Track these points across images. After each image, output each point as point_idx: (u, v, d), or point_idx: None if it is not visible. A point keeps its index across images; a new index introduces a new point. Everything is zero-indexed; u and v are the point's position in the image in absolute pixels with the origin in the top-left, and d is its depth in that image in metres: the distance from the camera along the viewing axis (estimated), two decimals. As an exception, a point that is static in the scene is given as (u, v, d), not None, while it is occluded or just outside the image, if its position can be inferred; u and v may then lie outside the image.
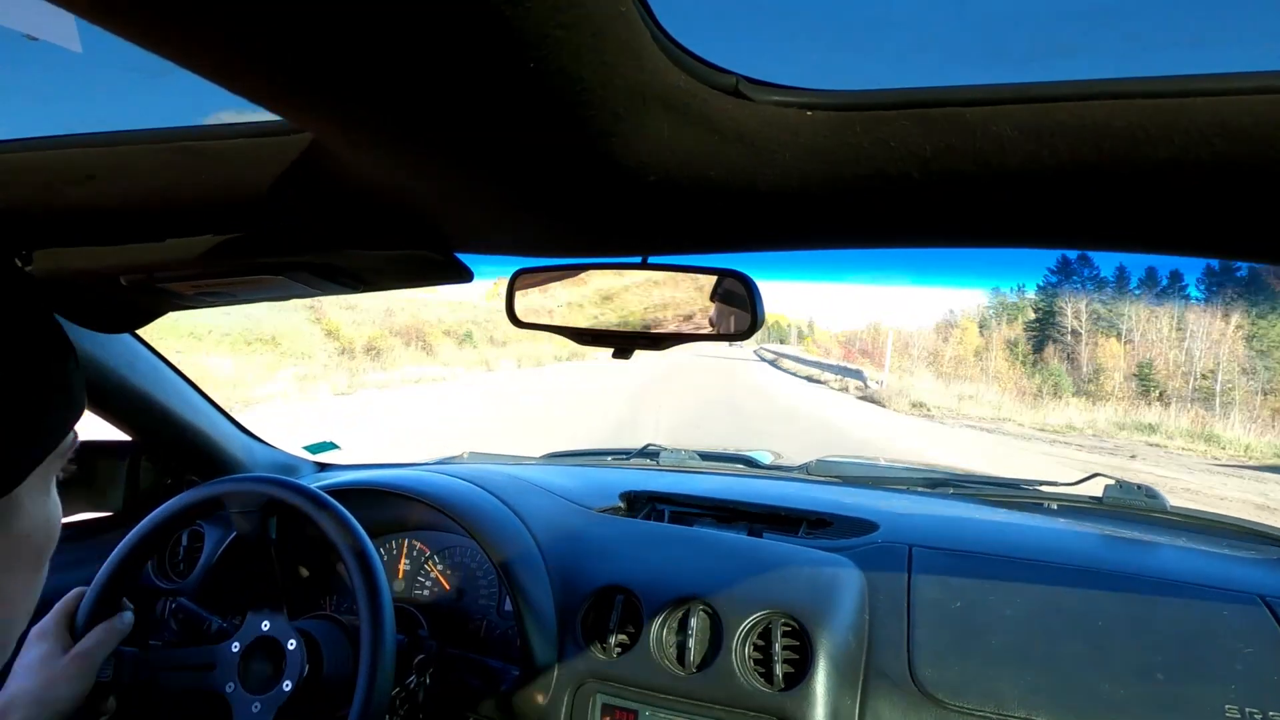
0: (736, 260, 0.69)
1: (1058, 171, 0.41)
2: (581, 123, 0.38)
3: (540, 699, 1.07)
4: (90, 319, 0.79)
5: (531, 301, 0.73)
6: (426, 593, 1.30)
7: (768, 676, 0.99)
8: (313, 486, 1.00)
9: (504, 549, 1.15)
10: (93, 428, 0.94)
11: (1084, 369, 39.16)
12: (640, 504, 1.45)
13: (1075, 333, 41.76)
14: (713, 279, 0.68)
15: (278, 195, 0.55)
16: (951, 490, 1.54)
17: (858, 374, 27.42)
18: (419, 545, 1.34)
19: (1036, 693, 0.93)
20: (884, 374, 30.31)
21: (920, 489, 1.56)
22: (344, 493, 1.21)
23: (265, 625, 0.96)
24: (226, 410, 1.48)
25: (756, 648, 1.02)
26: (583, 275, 0.70)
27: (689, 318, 0.68)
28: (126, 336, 1.21)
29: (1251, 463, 16.69)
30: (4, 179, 0.56)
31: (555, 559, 1.18)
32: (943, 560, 1.16)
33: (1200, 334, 36.29)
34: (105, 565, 0.97)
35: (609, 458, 1.87)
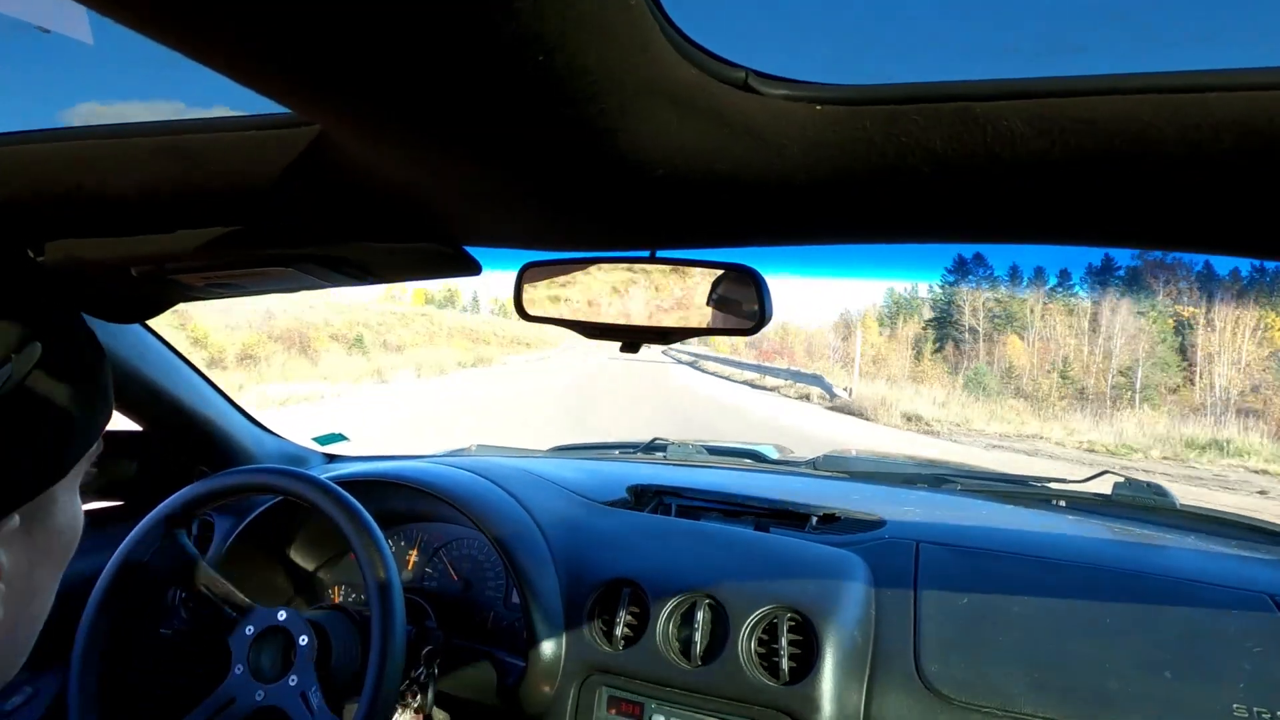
0: (744, 255, 0.69)
1: (1068, 167, 0.40)
2: (590, 116, 0.38)
3: (546, 690, 1.07)
4: (101, 310, 0.79)
5: (539, 294, 0.73)
6: (434, 584, 1.31)
7: (773, 670, 0.99)
8: (323, 478, 1.01)
9: (511, 541, 1.15)
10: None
11: (995, 367, 38.27)
12: (647, 497, 1.45)
13: (973, 330, 40.99)
14: (720, 273, 0.68)
15: (286, 187, 0.55)
16: (959, 486, 1.53)
17: (816, 380, 22.28)
18: (427, 537, 1.34)
19: (1043, 690, 0.92)
20: (853, 380, 24.74)
21: (927, 485, 1.56)
22: (353, 484, 1.21)
23: (281, 616, 0.97)
24: (237, 402, 1.49)
25: (762, 642, 1.03)
26: (590, 269, 0.70)
27: (696, 311, 0.68)
28: (137, 327, 1.22)
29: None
30: (16, 171, 0.56)
31: (562, 551, 1.19)
32: (950, 557, 1.16)
33: (1111, 330, 35.95)
34: (115, 555, 0.98)
35: (616, 451, 1.87)
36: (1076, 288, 40.70)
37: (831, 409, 17.99)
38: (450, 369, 25.34)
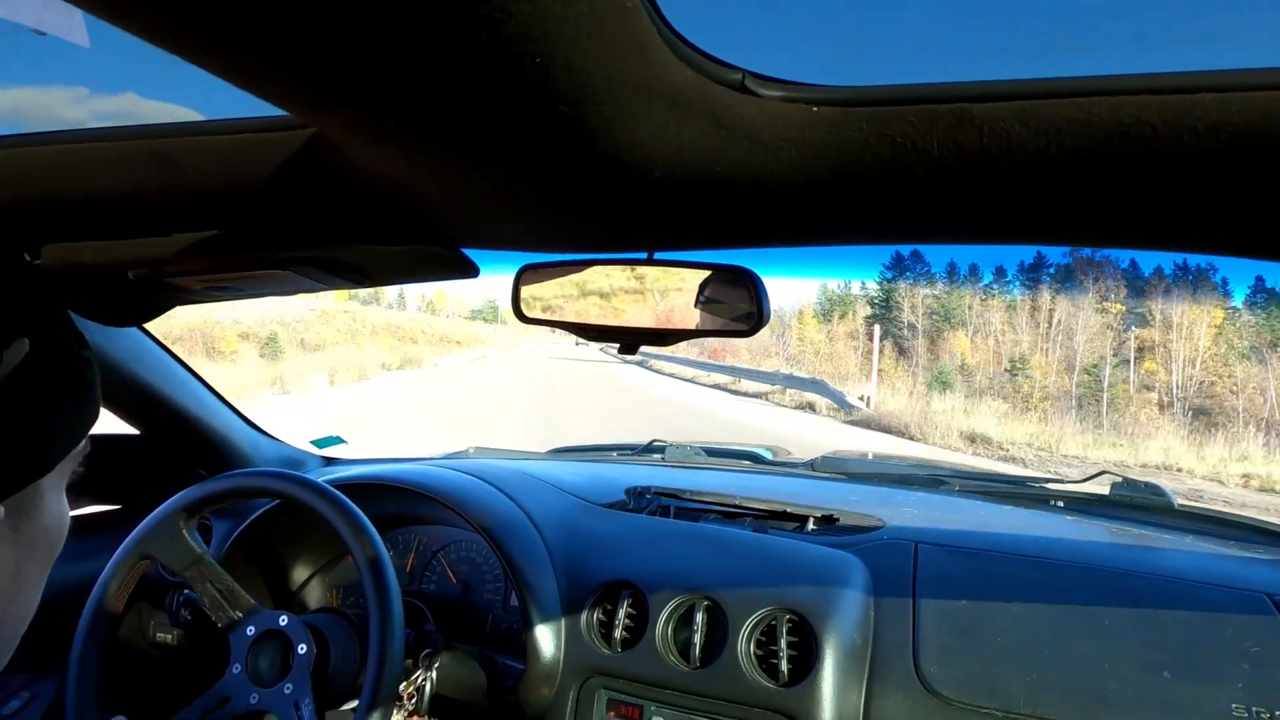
0: (742, 256, 0.69)
1: (1065, 167, 0.40)
2: (587, 118, 0.38)
3: (545, 693, 1.07)
4: (97, 313, 0.79)
5: (537, 296, 0.73)
6: (433, 587, 1.31)
7: (772, 672, 0.99)
8: (320, 481, 1.01)
9: (510, 544, 1.15)
10: (99, 421, 0.95)
11: (944, 363, 37.69)
12: (646, 499, 1.45)
13: (912, 326, 40.58)
14: (718, 274, 0.68)
15: (283, 190, 0.55)
16: (957, 487, 1.53)
17: (817, 385, 17.56)
18: (425, 540, 1.34)
19: (1042, 690, 0.92)
20: (869, 386, 19.32)
21: (925, 486, 1.56)
22: (351, 487, 1.21)
23: (282, 620, 0.97)
24: (234, 405, 1.49)
25: (761, 644, 1.02)
26: (588, 270, 0.70)
27: (694, 313, 0.68)
28: (133, 330, 1.22)
29: None
30: (12, 174, 0.56)
31: (561, 554, 1.19)
32: (948, 557, 1.16)
33: (1073, 326, 36.01)
34: (113, 559, 0.98)
35: (614, 453, 1.87)
36: (1012, 284, 41.00)
37: (849, 423, 14.05)
38: (372, 372, 21.74)
